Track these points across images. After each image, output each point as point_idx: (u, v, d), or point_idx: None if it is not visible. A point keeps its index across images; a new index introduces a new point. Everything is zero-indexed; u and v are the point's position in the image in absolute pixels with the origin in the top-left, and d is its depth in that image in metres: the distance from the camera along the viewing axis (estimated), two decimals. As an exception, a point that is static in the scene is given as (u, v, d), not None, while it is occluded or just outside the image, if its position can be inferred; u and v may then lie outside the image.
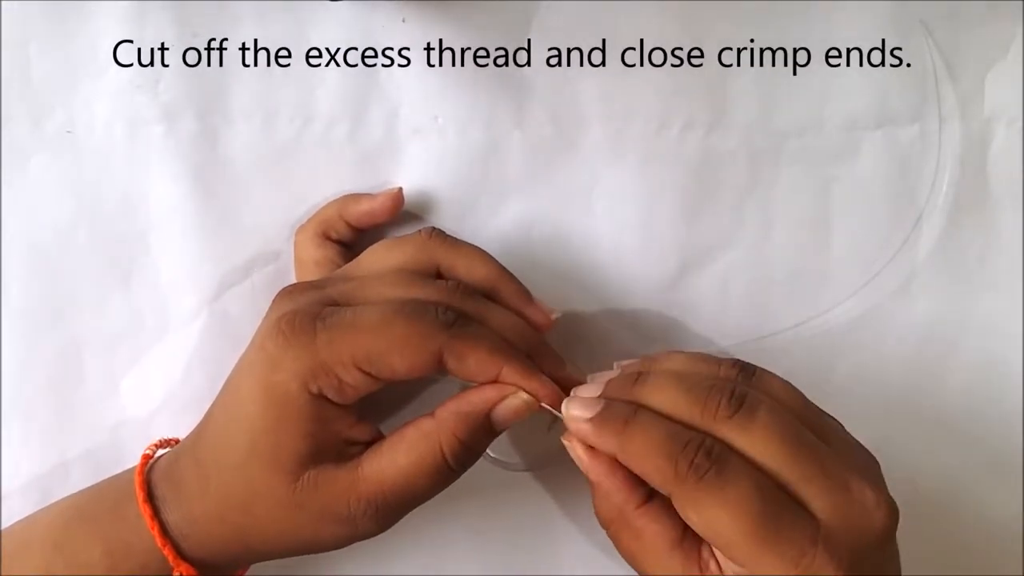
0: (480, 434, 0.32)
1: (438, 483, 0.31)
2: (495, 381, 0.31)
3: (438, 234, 0.35)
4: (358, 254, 0.36)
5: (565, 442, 0.32)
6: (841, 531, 0.28)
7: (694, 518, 0.29)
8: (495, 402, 0.31)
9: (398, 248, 0.34)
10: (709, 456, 0.28)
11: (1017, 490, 0.41)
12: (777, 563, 0.28)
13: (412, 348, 0.30)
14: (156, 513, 0.32)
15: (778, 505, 0.28)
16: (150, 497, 0.32)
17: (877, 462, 0.31)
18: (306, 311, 0.30)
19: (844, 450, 0.30)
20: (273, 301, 0.33)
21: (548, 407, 0.31)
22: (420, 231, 0.35)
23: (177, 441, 0.35)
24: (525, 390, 0.31)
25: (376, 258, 0.35)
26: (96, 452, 0.39)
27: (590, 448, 0.31)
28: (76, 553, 0.32)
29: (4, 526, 0.35)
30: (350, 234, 0.38)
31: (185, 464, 0.32)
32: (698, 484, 0.28)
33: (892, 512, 0.29)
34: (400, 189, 0.38)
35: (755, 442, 0.29)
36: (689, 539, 0.31)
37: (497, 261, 0.35)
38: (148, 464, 0.33)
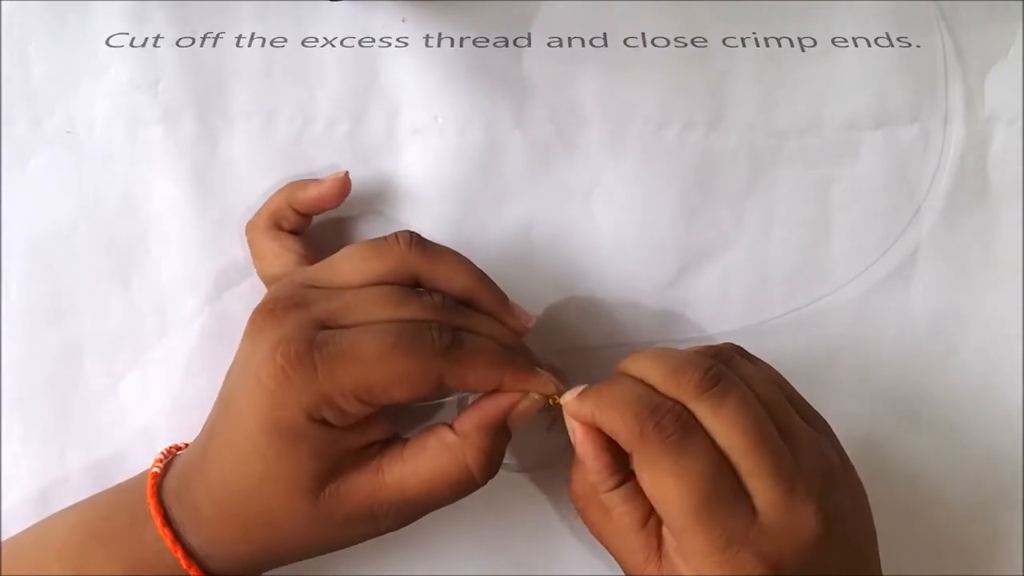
0: (501, 441, 0.33)
1: (462, 493, 0.32)
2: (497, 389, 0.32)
3: (417, 244, 0.33)
4: (308, 242, 0.37)
5: (567, 426, 0.33)
6: (774, 530, 0.29)
7: (647, 479, 0.30)
8: (511, 407, 0.32)
9: (377, 258, 0.33)
10: (676, 421, 0.30)
11: (1017, 489, 0.41)
12: (705, 544, 0.29)
13: (412, 379, 0.30)
14: (176, 537, 0.32)
15: (726, 489, 0.29)
16: (168, 521, 0.32)
17: (837, 467, 0.31)
18: (300, 338, 0.30)
19: (804, 452, 0.31)
20: (255, 322, 0.32)
21: (553, 399, 0.33)
22: (397, 238, 0.33)
23: (178, 448, 0.35)
24: (532, 390, 0.32)
25: (354, 267, 0.33)
26: (96, 452, 0.39)
27: (585, 427, 0.32)
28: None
29: (4, 527, 0.35)
30: (300, 222, 0.38)
31: (196, 489, 0.32)
32: (659, 446, 0.29)
33: (825, 523, 0.29)
34: (346, 173, 0.37)
35: (720, 424, 0.30)
36: (652, 522, 0.32)
37: (476, 268, 0.34)
38: (157, 482, 0.33)
